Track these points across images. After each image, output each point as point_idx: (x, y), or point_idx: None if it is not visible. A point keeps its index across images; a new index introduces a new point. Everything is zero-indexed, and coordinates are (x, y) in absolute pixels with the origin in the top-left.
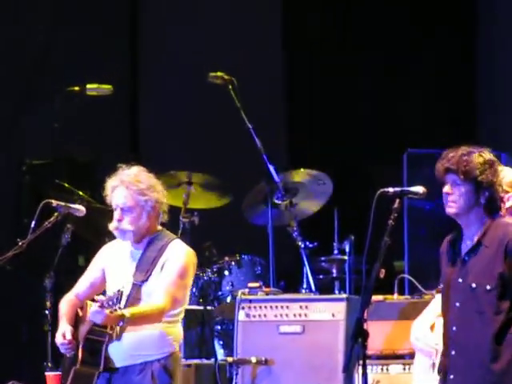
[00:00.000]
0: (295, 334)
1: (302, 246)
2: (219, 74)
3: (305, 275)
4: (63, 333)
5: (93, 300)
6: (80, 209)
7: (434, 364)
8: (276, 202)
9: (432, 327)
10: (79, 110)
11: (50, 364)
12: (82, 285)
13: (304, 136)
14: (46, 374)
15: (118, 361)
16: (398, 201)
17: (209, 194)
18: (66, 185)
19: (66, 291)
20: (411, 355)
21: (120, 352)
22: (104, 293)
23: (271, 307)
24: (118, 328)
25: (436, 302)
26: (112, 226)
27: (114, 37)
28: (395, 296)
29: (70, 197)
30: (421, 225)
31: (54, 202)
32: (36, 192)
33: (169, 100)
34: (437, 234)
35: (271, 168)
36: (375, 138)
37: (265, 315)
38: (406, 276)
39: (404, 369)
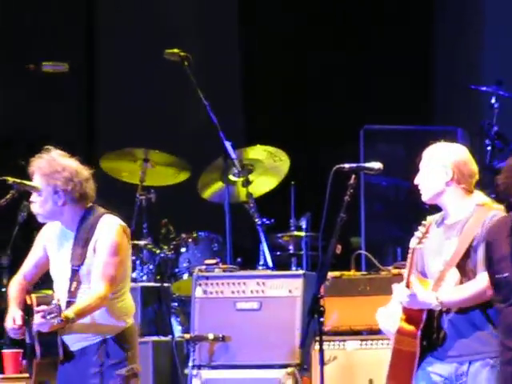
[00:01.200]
0: (252, 310)
1: (259, 222)
2: (175, 50)
3: (262, 252)
4: (13, 317)
5: (38, 288)
6: (36, 186)
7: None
8: (232, 178)
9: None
10: (35, 87)
11: (6, 342)
12: (28, 265)
13: (261, 113)
14: (3, 351)
15: (73, 344)
16: (353, 177)
17: (166, 172)
18: (23, 162)
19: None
20: (368, 331)
21: (73, 337)
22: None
23: (228, 284)
24: None
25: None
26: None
27: (69, 14)
28: (352, 272)
29: (26, 174)
30: (377, 201)
31: (10, 180)
32: None
33: (126, 77)
34: (393, 210)
35: (228, 145)
36: (332, 115)
37: (222, 292)
38: (363, 252)
39: (361, 345)
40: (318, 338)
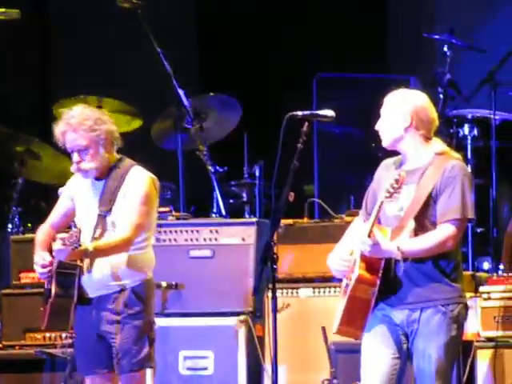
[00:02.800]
0: (205, 258)
1: (212, 170)
2: None
3: (215, 200)
4: (42, 256)
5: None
6: None
7: (346, 286)
8: (186, 126)
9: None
10: None
11: None
12: (55, 215)
13: (214, 60)
14: None
15: (92, 291)
16: (306, 124)
17: (119, 119)
18: None
19: None
20: (321, 279)
21: (93, 283)
22: (71, 226)
23: (181, 231)
24: (87, 260)
25: (353, 228)
26: (73, 169)
27: None
28: (305, 220)
29: None
30: (330, 149)
31: None
32: None
33: (80, 24)
34: (346, 157)
35: (181, 92)
36: (286, 62)
37: (175, 239)
38: (316, 200)
39: (314, 292)
40: (270, 286)
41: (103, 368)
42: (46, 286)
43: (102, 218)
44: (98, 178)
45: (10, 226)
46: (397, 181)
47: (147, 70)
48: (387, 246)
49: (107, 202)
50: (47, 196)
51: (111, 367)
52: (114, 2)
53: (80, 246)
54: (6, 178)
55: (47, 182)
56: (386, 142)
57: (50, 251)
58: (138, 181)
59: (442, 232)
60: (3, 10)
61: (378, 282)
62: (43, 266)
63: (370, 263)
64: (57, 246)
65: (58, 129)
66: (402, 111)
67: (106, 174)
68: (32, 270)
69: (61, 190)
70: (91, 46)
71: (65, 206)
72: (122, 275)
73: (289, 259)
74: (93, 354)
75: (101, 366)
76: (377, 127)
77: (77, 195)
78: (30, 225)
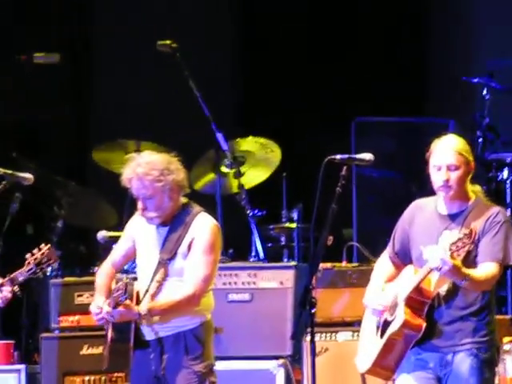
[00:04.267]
0: (244, 302)
1: (251, 214)
2: (167, 42)
3: (253, 243)
4: (98, 305)
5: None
6: (27, 177)
7: (378, 326)
8: (224, 170)
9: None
10: (27, 78)
11: None
12: (117, 254)
13: (253, 104)
14: None
15: (150, 334)
16: (345, 168)
17: None
18: (14, 153)
19: (14, 260)
20: (359, 322)
21: (150, 326)
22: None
23: (220, 275)
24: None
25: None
26: (138, 214)
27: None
28: (344, 263)
29: (18, 166)
30: (369, 192)
31: (1, 171)
32: None
33: (117, 68)
34: (385, 201)
35: (219, 136)
36: (324, 106)
37: (214, 283)
38: (355, 243)
39: (352, 336)
40: (309, 330)
41: None
42: (106, 328)
43: (163, 265)
44: (162, 224)
45: (49, 269)
46: (468, 235)
47: (186, 114)
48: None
49: (170, 250)
50: (86, 239)
51: None
52: (154, 45)
53: (126, 298)
54: (45, 222)
55: (86, 225)
56: (456, 190)
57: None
58: (203, 230)
59: (487, 269)
60: (43, 54)
61: (423, 328)
62: (97, 315)
63: (414, 308)
64: (105, 309)
65: (125, 174)
66: (468, 159)
67: (170, 220)
68: (71, 313)
69: (100, 234)
70: (130, 90)
71: (126, 246)
72: (182, 318)
73: (327, 303)
74: None
75: None
76: (446, 176)
77: (138, 237)
78: (69, 268)
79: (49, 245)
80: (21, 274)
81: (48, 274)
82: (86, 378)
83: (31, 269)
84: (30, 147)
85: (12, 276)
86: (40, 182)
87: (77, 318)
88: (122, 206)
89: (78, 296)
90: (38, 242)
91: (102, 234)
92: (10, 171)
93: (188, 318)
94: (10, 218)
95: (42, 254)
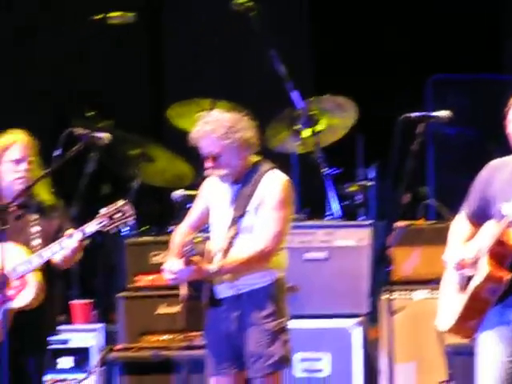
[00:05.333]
0: (320, 260)
1: (326, 172)
2: (241, 0)
3: (329, 202)
4: (170, 267)
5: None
6: (104, 137)
7: (460, 283)
8: (300, 128)
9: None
10: (102, 39)
11: (75, 292)
12: (192, 216)
13: (328, 62)
14: (72, 302)
15: (222, 292)
16: (421, 126)
17: None
18: (90, 113)
19: (90, 220)
20: (436, 281)
21: (223, 284)
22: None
23: (296, 234)
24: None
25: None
26: (207, 173)
27: None
28: (420, 221)
29: (94, 125)
30: (446, 150)
31: (78, 131)
32: (60, 121)
33: (192, 27)
34: (462, 159)
35: (295, 95)
36: (400, 63)
37: (290, 242)
38: (431, 201)
39: (429, 294)
40: (386, 288)
41: (231, 368)
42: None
43: (236, 222)
44: (233, 182)
45: (123, 225)
46: None
47: (261, 72)
48: None
49: (241, 207)
50: (162, 199)
51: (239, 367)
52: (228, 4)
53: (195, 254)
54: (121, 182)
55: (162, 185)
56: None
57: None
58: (274, 186)
59: None
60: (118, 13)
61: (507, 279)
62: (169, 274)
63: (497, 260)
64: (175, 266)
65: (194, 133)
66: None
67: (242, 178)
68: (147, 272)
69: (176, 193)
70: (204, 48)
71: (200, 208)
72: (254, 276)
73: (404, 262)
74: (222, 355)
75: (229, 367)
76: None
77: (211, 198)
78: (144, 228)
79: (125, 201)
80: (89, 227)
81: (122, 230)
82: (163, 337)
83: (102, 221)
84: (105, 107)
85: (82, 227)
86: (116, 141)
87: (152, 277)
88: (198, 164)
89: (154, 255)
90: (113, 201)
91: (178, 193)
92: (86, 131)
93: (260, 275)
94: (85, 178)
95: (116, 208)
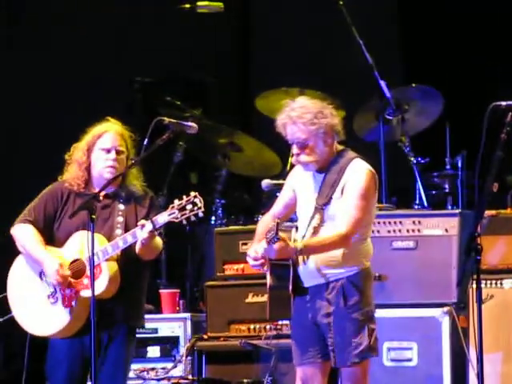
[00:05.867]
0: (408, 249)
1: (414, 161)
2: None
3: (417, 191)
4: (255, 249)
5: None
6: (192, 126)
7: None
8: (387, 117)
9: None
10: (190, 28)
11: (164, 281)
12: (278, 206)
13: (416, 50)
14: (161, 291)
15: (307, 281)
16: (510, 114)
17: None
18: (178, 102)
19: None
20: None
21: (308, 272)
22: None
23: (384, 223)
24: None
25: None
26: (293, 160)
27: None
28: (509, 210)
29: (182, 114)
30: None
31: (167, 120)
32: (148, 110)
33: (280, 16)
34: None
35: (383, 84)
36: (490, 52)
37: (378, 231)
38: None
39: None
40: (475, 277)
41: (317, 357)
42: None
43: (319, 210)
44: (318, 171)
45: (213, 218)
46: None
47: (349, 61)
48: None
49: (325, 195)
50: (250, 188)
51: (325, 357)
52: None
53: (279, 239)
54: (209, 171)
55: (250, 174)
56: None
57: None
58: (358, 174)
59: None
60: (207, 3)
61: None
62: (255, 259)
63: None
64: (261, 245)
65: (279, 120)
66: None
67: (326, 166)
68: (236, 261)
69: (264, 182)
70: (291, 36)
71: (286, 197)
72: (338, 264)
73: (492, 250)
74: (307, 344)
75: (315, 356)
76: None
77: (298, 187)
78: (233, 217)
79: (196, 193)
80: (161, 217)
81: (212, 222)
82: (252, 326)
83: (173, 213)
84: (194, 96)
85: (153, 218)
86: (204, 130)
87: (242, 266)
88: (286, 154)
89: (243, 244)
90: (201, 190)
91: (267, 182)
92: (174, 120)
93: (346, 265)
94: (173, 167)
95: (188, 200)
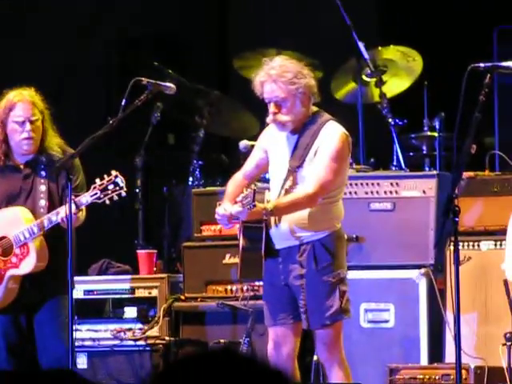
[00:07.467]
0: (386, 211)
1: (392, 123)
2: None
3: (395, 152)
4: (224, 207)
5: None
6: (170, 87)
7: None
8: (365, 79)
9: None
10: None
11: (141, 242)
12: (249, 165)
13: (393, 11)
14: (138, 251)
15: (279, 243)
16: (488, 76)
17: None
18: (156, 63)
19: (155, 169)
20: (502, 232)
21: (280, 234)
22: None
23: (362, 184)
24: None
25: None
26: (269, 119)
27: None
28: (486, 172)
29: (160, 75)
30: (511, 101)
31: (145, 80)
32: (126, 70)
33: None
34: None
35: (361, 45)
36: (466, 14)
37: (355, 192)
38: (497, 152)
39: (495, 245)
40: (452, 238)
41: (288, 319)
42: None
43: (292, 172)
44: (292, 132)
45: (190, 179)
46: None
47: (327, 22)
48: None
49: (298, 158)
50: (227, 149)
51: (297, 318)
52: None
53: (255, 206)
54: (186, 132)
55: (227, 135)
56: None
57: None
58: (331, 137)
59: None
60: None
61: None
62: (222, 216)
63: None
64: (235, 208)
65: (258, 78)
66: None
67: (300, 128)
68: (213, 222)
69: (242, 143)
70: None
71: (258, 157)
72: (309, 226)
73: (470, 212)
74: (279, 305)
75: (286, 317)
76: None
77: (270, 147)
78: (210, 178)
79: (117, 172)
80: (84, 198)
81: (190, 183)
82: (229, 287)
83: (95, 194)
84: (171, 57)
85: (76, 199)
86: (181, 91)
87: (219, 227)
88: (264, 114)
89: (220, 205)
90: (179, 151)
91: (244, 143)
92: (153, 81)
93: (317, 227)
94: (151, 127)
95: (109, 180)
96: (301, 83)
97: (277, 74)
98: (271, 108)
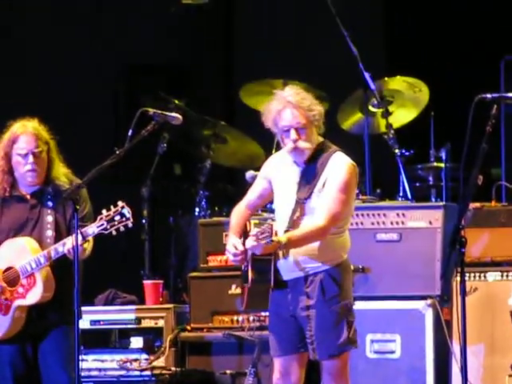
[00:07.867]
0: (392, 241)
1: (398, 153)
2: None
3: (401, 183)
4: (234, 244)
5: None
6: (177, 117)
7: None
8: (372, 109)
9: None
10: (175, 18)
11: (147, 272)
12: (252, 195)
13: (400, 43)
14: (144, 282)
15: (287, 274)
16: (495, 107)
17: None
18: (163, 93)
19: (161, 200)
20: (509, 263)
21: (288, 266)
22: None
23: (368, 215)
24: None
25: None
26: (288, 148)
27: None
28: (493, 203)
29: (167, 105)
30: None
31: (151, 111)
32: (133, 101)
33: (264, 8)
34: None
35: (367, 76)
36: (473, 45)
37: (361, 223)
38: (504, 183)
39: (502, 276)
40: (459, 270)
41: (295, 350)
42: (243, 268)
43: (300, 204)
44: (297, 163)
45: (197, 209)
46: None
47: (334, 53)
48: None
49: (306, 189)
50: (234, 179)
51: (302, 348)
52: None
53: (272, 241)
54: (193, 162)
55: (234, 165)
56: None
57: (244, 233)
58: (340, 168)
59: None
60: None
61: None
62: (235, 255)
63: None
64: (250, 242)
65: (274, 106)
66: None
67: (307, 159)
68: (220, 253)
69: (248, 173)
70: (276, 29)
71: (261, 187)
72: (317, 257)
73: (476, 243)
74: (285, 336)
75: (293, 348)
76: None
77: (275, 178)
78: (217, 208)
79: (123, 203)
80: (91, 229)
81: (196, 214)
82: (235, 317)
83: (102, 224)
84: (178, 87)
85: (82, 230)
86: (188, 121)
87: (225, 257)
88: (270, 145)
89: (226, 235)
90: (185, 181)
91: (251, 174)
92: (159, 111)
93: (324, 258)
94: (157, 158)
95: (116, 211)
96: (317, 110)
97: (296, 101)
98: (292, 135)
